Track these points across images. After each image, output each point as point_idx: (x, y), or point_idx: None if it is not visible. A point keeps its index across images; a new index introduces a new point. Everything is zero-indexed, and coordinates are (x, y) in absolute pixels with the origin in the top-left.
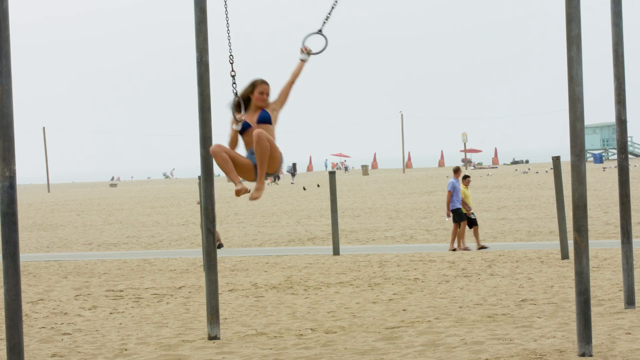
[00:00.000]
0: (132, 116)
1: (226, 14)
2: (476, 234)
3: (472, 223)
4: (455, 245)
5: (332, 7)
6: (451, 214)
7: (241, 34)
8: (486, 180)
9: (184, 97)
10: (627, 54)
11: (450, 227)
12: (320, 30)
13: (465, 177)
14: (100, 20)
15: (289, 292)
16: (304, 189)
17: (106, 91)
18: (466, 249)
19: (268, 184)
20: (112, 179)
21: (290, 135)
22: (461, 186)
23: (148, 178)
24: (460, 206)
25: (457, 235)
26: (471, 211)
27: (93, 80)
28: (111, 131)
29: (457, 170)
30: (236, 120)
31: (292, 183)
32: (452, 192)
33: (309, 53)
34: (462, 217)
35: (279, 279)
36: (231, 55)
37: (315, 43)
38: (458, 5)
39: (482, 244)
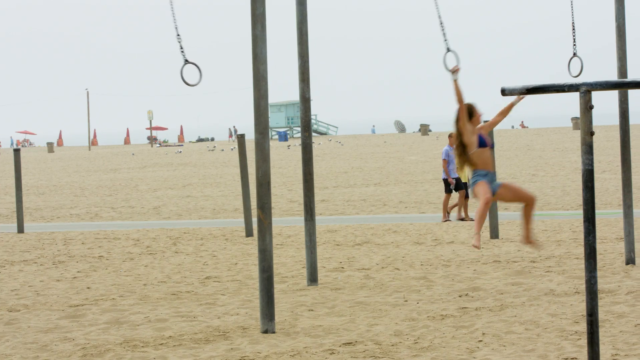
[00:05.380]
0: None
1: None
2: (465, 205)
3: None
4: (450, 215)
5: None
6: (447, 183)
7: None
8: (172, 158)
9: None
10: (311, 34)
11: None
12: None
13: None
14: None
15: None
16: None
17: None
18: (463, 219)
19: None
20: None
21: None
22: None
23: None
24: (457, 175)
25: (460, 205)
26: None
27: None
28: None
29: (452, 136)
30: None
31: None
32: (448, 160)
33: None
34: (460, 186)
35: None
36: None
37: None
38: None
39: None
